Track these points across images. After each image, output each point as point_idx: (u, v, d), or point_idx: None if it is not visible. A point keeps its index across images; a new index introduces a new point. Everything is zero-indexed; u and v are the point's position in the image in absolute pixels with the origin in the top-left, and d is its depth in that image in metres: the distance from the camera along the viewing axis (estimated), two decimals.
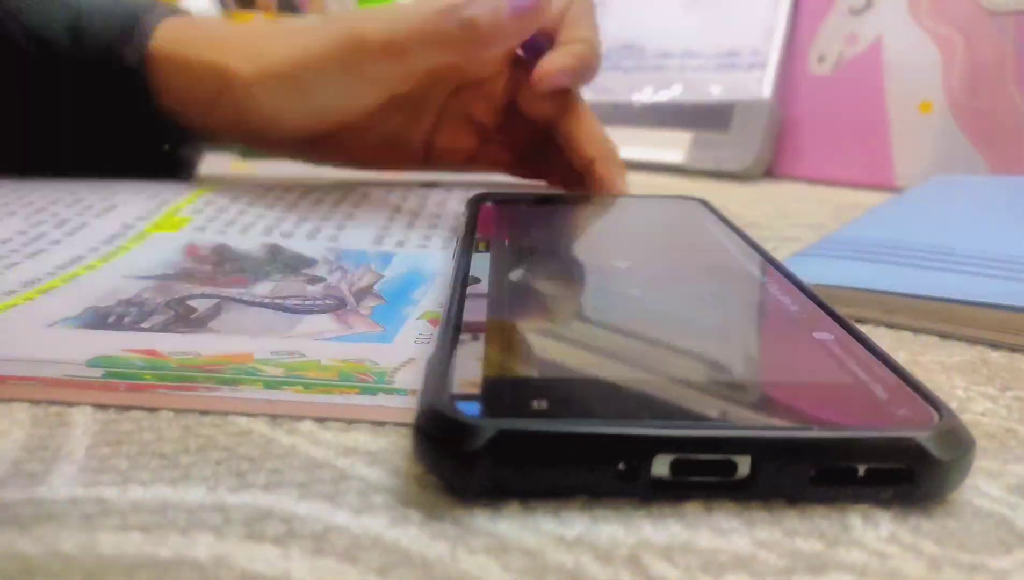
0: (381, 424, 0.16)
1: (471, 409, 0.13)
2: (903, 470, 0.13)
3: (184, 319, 0.20)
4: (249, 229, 0.29)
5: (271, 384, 0.17)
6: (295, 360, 0.18)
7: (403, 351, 0.19)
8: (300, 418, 0.16)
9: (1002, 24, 0.47)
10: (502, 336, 0.16)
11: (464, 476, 0.13)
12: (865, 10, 0.52)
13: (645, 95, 0.60)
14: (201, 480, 0.14)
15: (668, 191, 0.48)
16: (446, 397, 0.13)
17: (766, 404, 0.14)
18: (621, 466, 0.13)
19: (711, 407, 0.14)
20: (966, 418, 0.17)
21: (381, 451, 0.15)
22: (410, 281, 0.24)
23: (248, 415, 0.16)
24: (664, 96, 0.59)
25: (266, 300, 0.22)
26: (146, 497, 0.13)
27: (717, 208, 0.29)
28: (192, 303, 0.22)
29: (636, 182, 0.52)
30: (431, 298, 0.22)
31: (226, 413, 0.16)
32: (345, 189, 0.35)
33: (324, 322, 0.20)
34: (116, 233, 0.28)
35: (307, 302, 0.22)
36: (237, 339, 0.19)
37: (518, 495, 0.13)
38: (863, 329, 0.23)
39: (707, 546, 0.12)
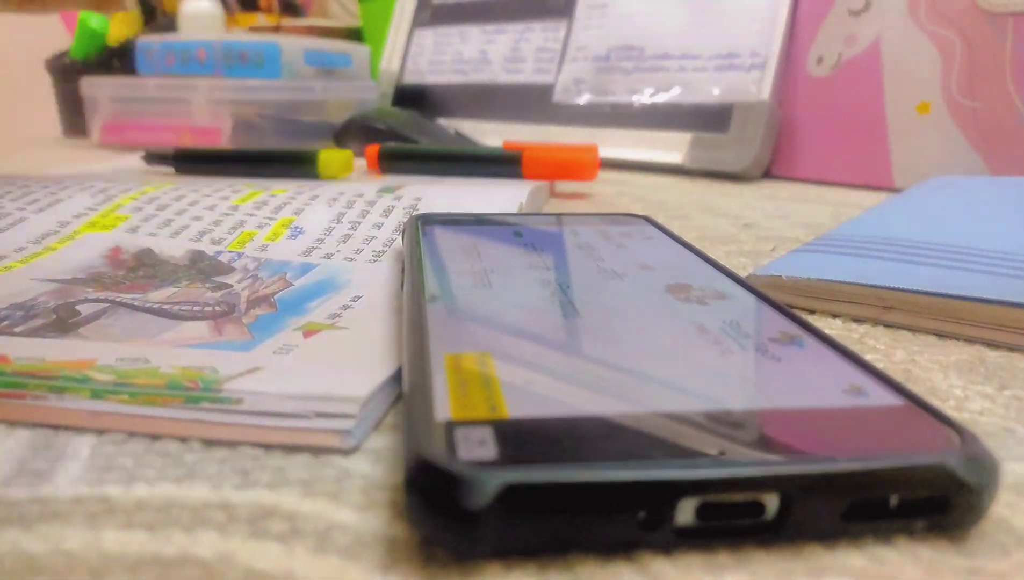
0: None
1: (469, 459, 0.12)
2: (936, 498, 0.12)
3: (61, 323, 0.20)
4: (181, 232, 0.28)
5: (98, 393, 0.16)
6: (134, 367, 0.17)
7: (253, 360, 0.18)
8: (132, 433, 0.16)
9: (1000, 25, 0.47)
10: (484, 370, 0.15)
11: (466, 539, 0.11)
12: (864, 11, 0.52)
13: (644, 96, 0.60)
14: (205, 478, 0.14)
15: (667, 192, 0.49)
16: (438, 446, 0.12)
17: (785, 436, 0.13)
18: (641, 515, 0.12)
19: (730, 443, 0.13)
20: (964, 417, 0.17)
21: (384, 449, 0.15)
22: (316, 290, 0.23)
23: (73, 429, 0.16)
24: (663, 97, 0.59)
25: (154, 305, 0.22)
26: (150, 495, 0.14)
27: (664, 225, 0.28)
28: (80, 307, 0.21)
29: (636, 182, 0.52)
30: (324, 310, 0.21)
31: (54, 426, 0.16)
32: (296, 190, 0.35)
33: (197, 329, 0.20)
34: (49, 231, 0.28)
35: (194, 308, 0.21)
36: (93, 345, 0.19)
37: (524, 554, 0.12)
38: (860, 329, 0.23)
39: None
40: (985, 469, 0.12)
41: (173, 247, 0.27)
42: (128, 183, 0.34)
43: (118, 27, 0.75)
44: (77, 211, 0.30)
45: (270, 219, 0.30)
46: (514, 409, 0.13)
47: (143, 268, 0.25)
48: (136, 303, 0.22)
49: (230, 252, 0.27)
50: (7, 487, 0.14)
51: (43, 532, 0.12)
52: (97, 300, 0.22)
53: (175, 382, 0.16)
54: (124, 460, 0.15)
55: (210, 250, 0.27)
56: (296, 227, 0.30)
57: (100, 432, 0.16)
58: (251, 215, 0.31)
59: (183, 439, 0.15)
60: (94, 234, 0.28)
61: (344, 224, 0.30)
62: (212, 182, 0.36)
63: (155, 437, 0.15)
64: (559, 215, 0.30)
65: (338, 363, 0.18)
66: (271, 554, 0.12)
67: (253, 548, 0.12)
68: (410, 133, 0.55)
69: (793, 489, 0.12)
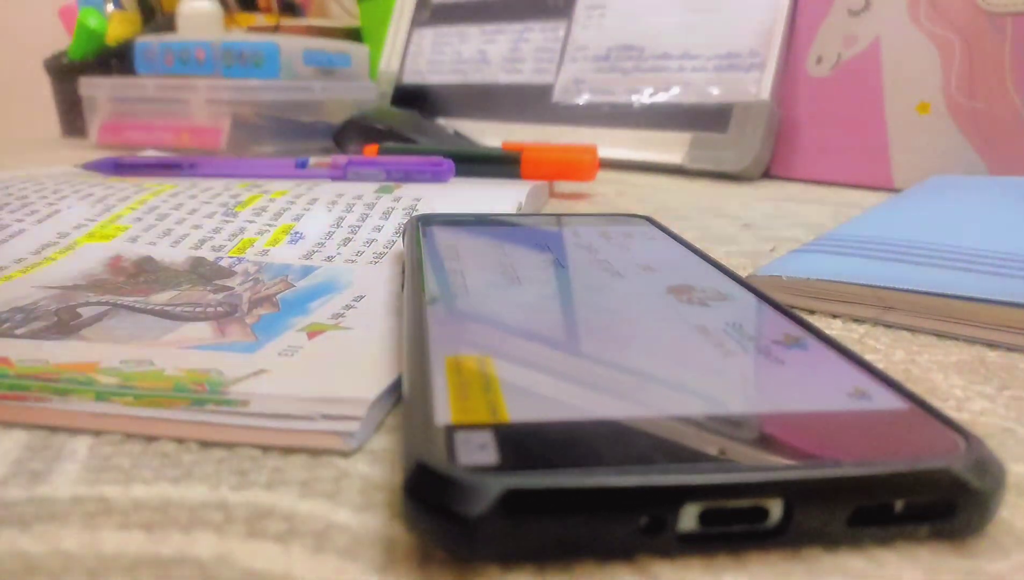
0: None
1: (470, 464, 0.11)
2: (942, 503, 0.12)
3: (63, 325, 0.20)
4: (182, 241, 0.28)
5: (102, 395, 0.16)
6: (138, 370, 0.17)
7: (258, 362, 0.17)
8: (130, 435, 0.15)
9: (1000, 25, 0.47)
10: (485, 373, 0.15)
11: (465, 544, 0.11)
12: (863, 11, 0.52)
13: (644, 96, 0.60)
14: (203, 478, 0.14)
15: (667, 192, 0.49)
16: (437, 450, 0.12)
17: (789, 440, 0.13)
18: (643, 520, 0.12)
19: (733, 447, 0.12)
20: (964, 418, 0.17)
21: (382, 450, 0.15)
22: (318, 291, 0.23)
23: (71, 429, 0.16)
24: (663, 97, 0.59)
25: (155, 307, 0.22)
26: (148, 495, 0.14)
27: (665, 226, 0.28)
28: (81, 310, 0.21)
29: (635, 182, 0.52)
30: (327, 310, 0.21)
31: (52, 427, 0.16)
32: (295, 194, 0.35)
33: (199, 330, 0.20)
34: (48, 242, 0.28)
35: (196, 309, 0.21)
36: (95, 347, 0.18)
37: (524, 559, 0.12)
38: (860, 329, 0.23)
39: None
40: (991, 473, 0.12)
41: (174, 255, 0.27)
42: (127, 191, 0.34)
43: (116, 27, 0.75)
44: (76, 222, 0.30)
45: (270, 225, 0.30)
46: (515, 412, 0.13)
47: (144, 274, 0.25)
48: (138, 305, 0.22)
49: (231, 257, 0.27)
50: (4, 487, 0.14)
51: (40, 532, 0.12)
52: (99, 302, 0.22)
53: (181, 385, 0.16)
54: (121, 460, 0.15)
55: (211, 256, 0.27)
56: (296, 232, 0.30)
57: (98, 433, 0.16)
58: (251, 222, 0.31)
59: (182, 440, 0.15)
60: (94, 245, 0.28)
61: (344, 228, 0.30)
62: (211, 187, 0.36)
63: (153, 438, 0.15)
64: (560, 216, 0.30)
65: (343, 364, 0.18)
66: (269, 554, 0.12)
67: (251, 548, 0.12)
68: (409, 133, 0.55)
69: (797, 494, 0.12)
